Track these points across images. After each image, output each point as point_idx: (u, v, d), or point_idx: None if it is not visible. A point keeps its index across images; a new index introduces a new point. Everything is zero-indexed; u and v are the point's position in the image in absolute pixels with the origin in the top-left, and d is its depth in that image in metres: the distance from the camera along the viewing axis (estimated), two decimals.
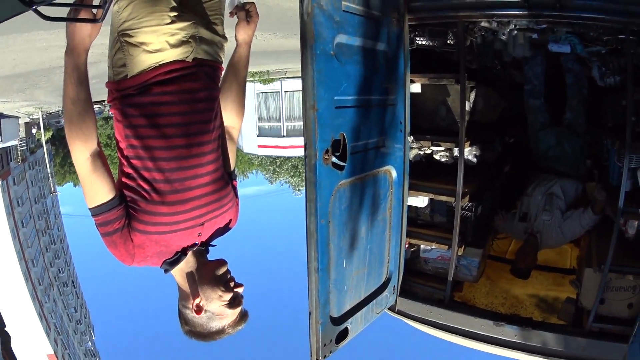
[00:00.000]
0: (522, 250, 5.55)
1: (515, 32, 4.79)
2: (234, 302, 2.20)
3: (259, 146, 27.09)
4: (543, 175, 5.84)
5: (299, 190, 38.14)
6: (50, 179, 49.31)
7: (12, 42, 9.33)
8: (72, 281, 51.00)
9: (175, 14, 2.13)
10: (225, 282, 2.21)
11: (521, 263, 5.45)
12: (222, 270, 2.23)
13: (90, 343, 49.60)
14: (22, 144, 40.60)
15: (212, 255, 2.36)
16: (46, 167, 47.60)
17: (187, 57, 2.17)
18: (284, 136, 25.96)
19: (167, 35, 2.11)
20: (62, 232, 52.36)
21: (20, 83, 15.87)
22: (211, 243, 2.39)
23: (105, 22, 1.92)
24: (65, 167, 58.22)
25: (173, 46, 2.13)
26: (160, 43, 2.10)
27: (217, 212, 2.30)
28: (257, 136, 26.34)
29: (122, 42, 2.10)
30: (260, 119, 26.49)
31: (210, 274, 2.22)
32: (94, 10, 1.89)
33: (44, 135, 43.83)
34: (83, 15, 1.87)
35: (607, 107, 5.71)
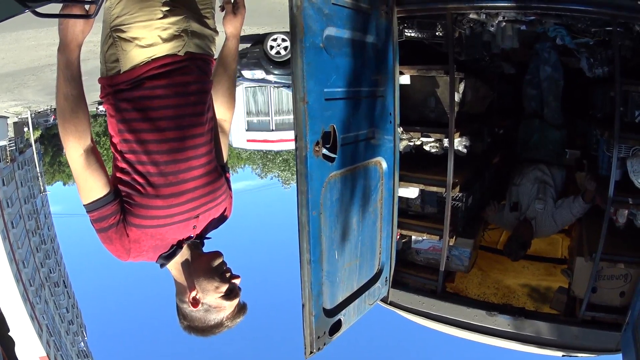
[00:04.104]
0: (517, 230, 5.61)
1: (504, 23, 4.82)
2: (230, 294, 2.20)
3: (248, 140, 26.89)
4: (526, 164, 5.93)
5: (288, 184, 38.03)
6: (40, 178, 48.88)
7: (1, 42, 9.24)
8: (64, 281, 50.61)
9: (167, 8, 2.14)
10: (221, 274, 2.21)
11: (516, 239, 5.51)
12: (217, 262, 2.24)
13: (82, 343, 49.28)
14: (10, 144, 40.24)
15: (206, 248, 2.36)
16: (35, 167, 47.22)
17: (179, 51, 2.17)
18: (273, 130, 25.80)
19: (159, 29, 2.12)
20: (52, 232, 51.92)
21: (8, 83, 15.72)
22: (206, 235, 2.40)
23: (97, 19, 1.93)
24: (54, 166, 57.82)
25: (165, 40, 2.13)
26: (153, 37, 2.11)
27: (211, 205, 2.30)
28: (246, 131, 26.17)
29: (114, 37, 2.10)
30: (248, 113, 26.30)
31: (206, 265, 2.22)
32: (87, 7, 1.89)
33: (33, 135, 43.51)
34: (76, 11, 1.87)
35: (595, 98, 5.79)
